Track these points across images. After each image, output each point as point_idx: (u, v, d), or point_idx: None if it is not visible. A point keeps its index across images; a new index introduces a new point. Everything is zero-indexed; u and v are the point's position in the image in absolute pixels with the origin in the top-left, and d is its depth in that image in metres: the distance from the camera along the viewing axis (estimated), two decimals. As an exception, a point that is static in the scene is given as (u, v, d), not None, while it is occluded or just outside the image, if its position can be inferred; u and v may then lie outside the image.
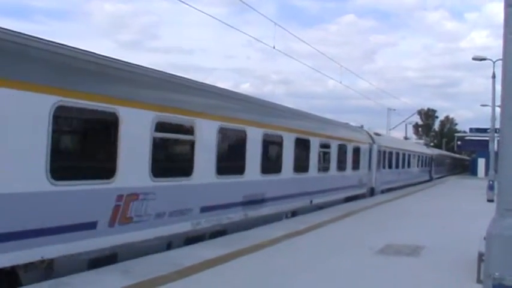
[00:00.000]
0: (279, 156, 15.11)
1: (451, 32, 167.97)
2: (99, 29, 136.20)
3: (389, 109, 63.41)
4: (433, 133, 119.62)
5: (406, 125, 70.36)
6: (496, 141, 32.99)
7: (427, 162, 48.77)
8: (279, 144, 15.05)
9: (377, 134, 29.35)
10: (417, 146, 49.98)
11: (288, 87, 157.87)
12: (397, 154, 33.21)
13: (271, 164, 14.66)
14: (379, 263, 9.63)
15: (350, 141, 22.28)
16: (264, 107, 15.21)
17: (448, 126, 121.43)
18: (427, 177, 47.71)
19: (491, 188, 25.24)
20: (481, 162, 63.78)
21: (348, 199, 22.22)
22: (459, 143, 76.81)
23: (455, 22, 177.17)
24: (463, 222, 16.08)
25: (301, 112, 19.10)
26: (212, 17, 25.80)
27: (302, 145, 16.73)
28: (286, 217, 15.68)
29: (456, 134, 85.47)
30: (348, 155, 21.78)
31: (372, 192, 26.52)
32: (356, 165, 23.11)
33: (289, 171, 15.56)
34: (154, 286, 7.25)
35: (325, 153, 19.06)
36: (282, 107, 17.18)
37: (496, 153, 3.99)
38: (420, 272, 8.99)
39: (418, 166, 42.79)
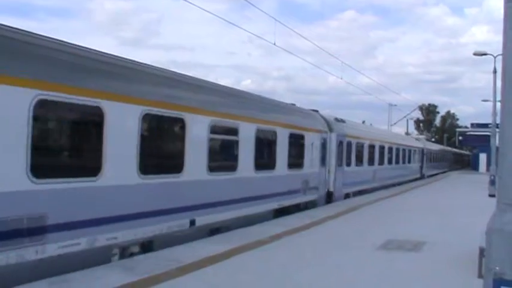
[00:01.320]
0: (94, 146, 8.32)
1: (451, 27, 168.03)
2: (100, 26, 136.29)
3: (390, 104, 63.46)
4: (434, 128, 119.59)
5: (407, 120, 70.54)
6: (497, 137, 32.96)
7: (417, 157, 41.64)
8: (94, 124, 8.43)
9: (339, 120, 22.09)
10: (402, 137, 43.58)
11: (289, 83, 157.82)
12: (371, 147, 26.48)
13: (67, 159, 8.25)
14: (381, 258, 9.66)
15: (284, 126, 15.33)
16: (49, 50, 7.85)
17: (449, 121, 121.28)
18: (416, 175, 41.17)
19: (492, 183, 25.24)
20: (483, 157, 63.80)
21: (283, 211, 15.46)
22: (460, 138, 76.81)
23: (456, 17, 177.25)
24: (464, 217, 16.08)
25: (168, 72, 11.09)
26: (212, 13, 25.85)
27: (163, 128, 10.47)
28: (125, 255, 8.93)
29: (457, 129, 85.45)
30: (279, 147, 14.94)
31: (329, 198, 19.77)
32: (297, 162, 16.56)
33: (127, 172, 8.85)
34: (157, 283, 7.28)
35: (225, 143, 12.47)
36: (104, 57, 9.08)
37: (497, 148, 3.99)
38: (422, 267, 9.01)
39: (403, 162, 35.38)
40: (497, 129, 32.59)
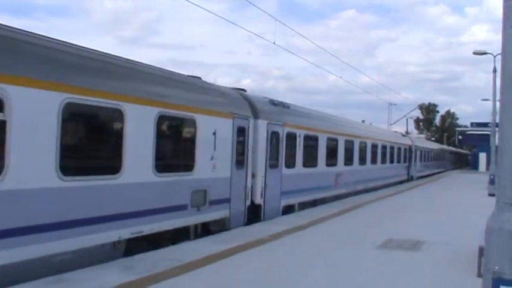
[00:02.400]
0: None
1: (451, 26, 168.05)
2: (100, 25, 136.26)
3: (390, 104, 63.32)
4: (434, 128, 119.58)
5: (407, 119, 70.30)
6: (497, 136, 32.92)
7: (403, 155, 35.17)
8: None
9: (276, 104, 15.72)
10: (382, 131, 34.75)
11: (289, 83, 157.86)
12: (332, 142, 19.77)
13: None
14: (380, 257, 9.66)
15: (144, 102, 9.48)
16: None
17: (449, 120, 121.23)
18: (402, 177, 35.06)
19: (492, 182, 25.23)
20: (482, 156, 63.93)
21: (152, 240, 9.82)
22: (460, 137, 76.92)
23: (456, 16, 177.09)
24: (464, 217, 16.09)
25: None
26: (213, 13, 25.79)
27: None
28: None
29: (457, 129, 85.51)
30: (130, 136, 9.05)
31: (254, 214, 13.68)
32: (179, 162, 11.06)
33: None
34: (156, 282, 7.27)
35: None
36: None
37: (497, 148, 4.00)
38: (421, 266, 9.01)
39: (382, 161, 28.53)
40: (496, 129, 32.53)
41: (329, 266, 8.74)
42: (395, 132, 40.33)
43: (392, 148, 31.43)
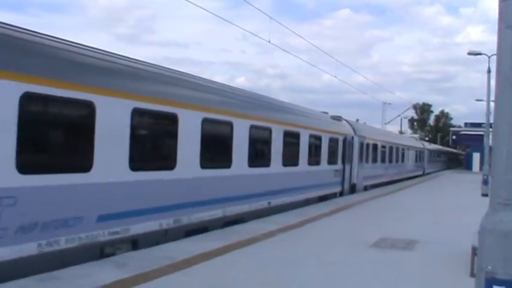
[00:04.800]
0: None
1: (446, 27, 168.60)
2: (95, 22, 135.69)
3: (384, 103, 63.50)
4: (428, 127, 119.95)
5: (401, 119, 70.55)
6: (490, 136, 33.07)
7: (329, 152, 20.15)
8: None
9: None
10: (273, 104, 16.29)
11: (284, 81, 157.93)
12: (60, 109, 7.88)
13: None
14: (373, 256, 9.66)
15: None
16: None
17: (443, 120, 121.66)
18: (330, 189, 20.77)
19: (485, 182, 25.33)
20: (476, 156, 64.23)
21: None
22: (454, 137, 77.26)
23: (451, 17, 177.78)
24: (457, 217, 16.14)
25: None
26: (207, 11, 25.58)
27: None
28: None
29: (451, 129, 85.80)
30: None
31: None
32: None
33: None
34: (149, 279, 7.25)
35: None
36: None
37: (491, 148, 4.01)
38: (414, 265, 9.02)
39: (266, 162, 14.87)
40: (490, 129, 32.66)
41: (322, 265, 8.73)
42: (325, 113, 22.64)
43: (294, 136, 16.79)
